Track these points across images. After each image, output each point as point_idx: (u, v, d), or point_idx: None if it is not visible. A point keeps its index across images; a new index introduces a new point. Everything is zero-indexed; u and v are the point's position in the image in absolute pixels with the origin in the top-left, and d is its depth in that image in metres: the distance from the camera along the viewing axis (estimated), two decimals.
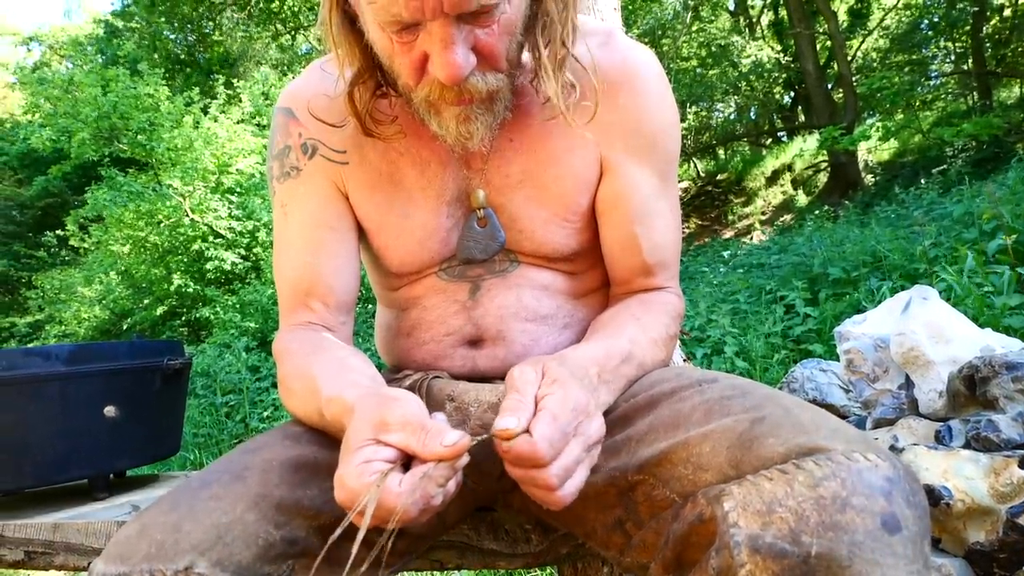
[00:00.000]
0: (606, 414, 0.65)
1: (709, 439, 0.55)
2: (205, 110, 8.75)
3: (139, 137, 8.03)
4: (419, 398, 0.57)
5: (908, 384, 1.24)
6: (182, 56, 14.59)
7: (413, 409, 0.53)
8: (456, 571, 1.79)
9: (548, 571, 1.71)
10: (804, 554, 0.45)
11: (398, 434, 0.52)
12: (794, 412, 0.54)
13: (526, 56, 0.72)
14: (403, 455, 0.52)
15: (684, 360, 1.57)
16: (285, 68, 12.31)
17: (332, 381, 0.65)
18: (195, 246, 8.34)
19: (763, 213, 10.86)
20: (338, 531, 0.50)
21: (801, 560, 0.45)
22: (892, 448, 1.12)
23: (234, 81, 9.62)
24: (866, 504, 0.46)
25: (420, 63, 0.63)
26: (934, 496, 0.98)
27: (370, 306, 6.67)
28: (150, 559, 0.52)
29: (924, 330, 1.18)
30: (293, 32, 13.86)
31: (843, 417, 1.49)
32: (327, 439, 0.67)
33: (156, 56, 13.12)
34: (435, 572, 1.83)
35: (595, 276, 0.85)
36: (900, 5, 11.04)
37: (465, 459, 0.52)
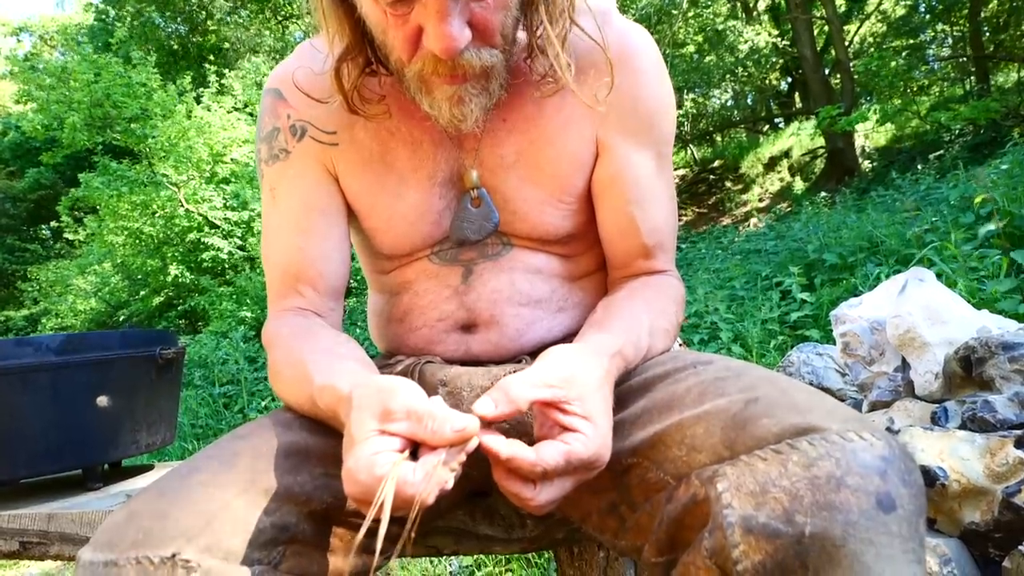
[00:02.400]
0: None
1: (703, 420, 0.55)
2: (198, 99, 8.68)
3: (132, 126, 7.97)
4: (416, 384, 0.56)
5: (904, 366, 1.24)
6: (174, 46, 14.46)
7: (415, 397, 0.52)
8: (452, 556, 1.80)
9: (545, 556, 1.71)
10: (798, 534, 0.45)
11: (403, 423, 0.51)
12: (789, 392, 0.54)
13: (521, 34, 0.71)
14: (409, 443, 0.52)
15: (680, 345, 1.57)
16: (277, 57, 12.21)
17: (323, 368, 0.64)
18: (190, 236, 8.31)
19: (760, 200, 10.85)
20: (363, 530, 0.48)
21: (795, 540, 0.45)
22: (888, 430, 1.12)
23: (226, 71, 9.52)
24: (861, 483, 0.45)
25: (414, 37, 0.62)
26: (930, 477, 0.98)
27: (363, 297, 6.67)
28: (137, 546, 0.51)
29: (920, 312, 1.18)
30: (284, 21, 13.74)
31: (839, 400, 1.49)
32: (318, 426, 0.66)
33: (148, 45, 13.00)
34: (431, 558, 1.83)
35: (590, 259, 0.84)
36: None
37: (476, 442, 0.52)
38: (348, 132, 0.76)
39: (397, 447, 0.51)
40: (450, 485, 0.51)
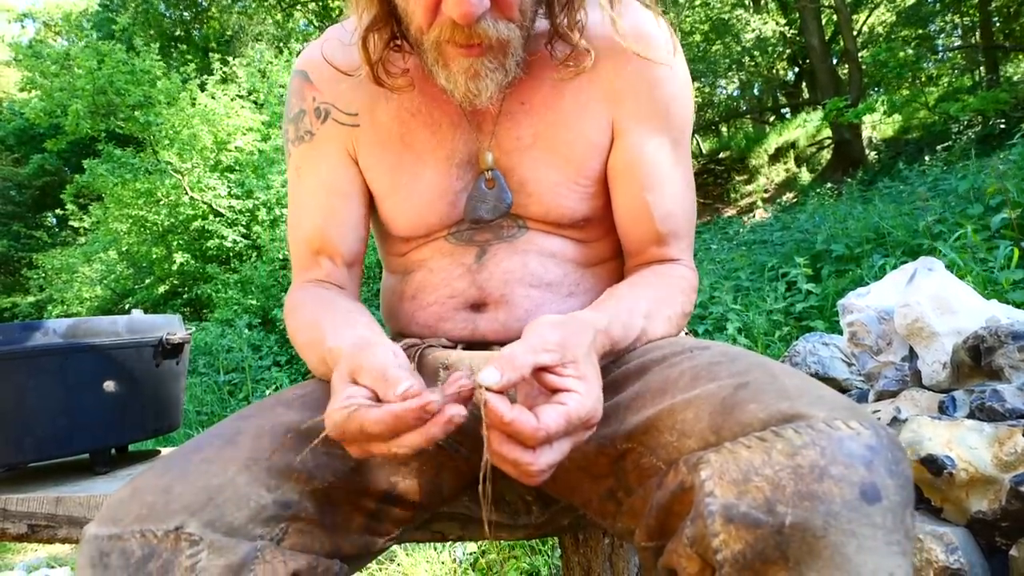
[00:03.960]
0: None
1: (693, 405, 0.54)
2: (202, 87, 8.66)
3: (136, 113, 7.96)
4: (397, 347, 0.58)
5: (912, 356, 1.23)
6: (177, 32, 14.41)
7: (379, 358, 0.54)
8: (457, 542, 1.81)
9: (550, 542, 1.72)
10: (778, 524, 0.44)
11: (367, 378, 0.54)
12: (780, 378, 0.53)
13: (543, 22, 0.72)
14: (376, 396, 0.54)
15: (686, 334, 1.56)
16: (281, 45, 12.16)
17: (334, 333, 0.67)
18: (195, 224, 8.32)
19: (766, 191, 10.80)
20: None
21: (775, 530, 0.44)
22: (895, 420, 1.11)
23: (230, 59, 9.49)
24: (845, 473, 0.44)
25: (434, 4, 0.63)
26: (937, 465, 0.98)
27: (374, 285, 6.67)
28: (141, 520, 0.52)
29: (929, 302, 1.17)
30: (288, 8, 13.67)
31: (844, 391, 1.49)
32: (321, 404, 0.67)
33: (151, 32, 12.96)
34: (436, 544, 1.85)
35: (606, 246, 0.84)
36: None
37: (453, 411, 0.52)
38: (370, 114, 0.79)
39: (367, 395, 0.53)
40: (401, 453, 0.51)
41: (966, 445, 0.97)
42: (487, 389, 0.50)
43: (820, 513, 0.43)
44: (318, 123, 0.81)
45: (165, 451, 1.39)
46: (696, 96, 13.16)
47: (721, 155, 12.95)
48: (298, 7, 13.77)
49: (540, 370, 0.54)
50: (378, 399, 0.53)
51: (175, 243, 8.65)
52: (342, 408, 0.52)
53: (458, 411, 0.50)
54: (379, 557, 1.86)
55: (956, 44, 11.56)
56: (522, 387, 0.57)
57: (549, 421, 0.50)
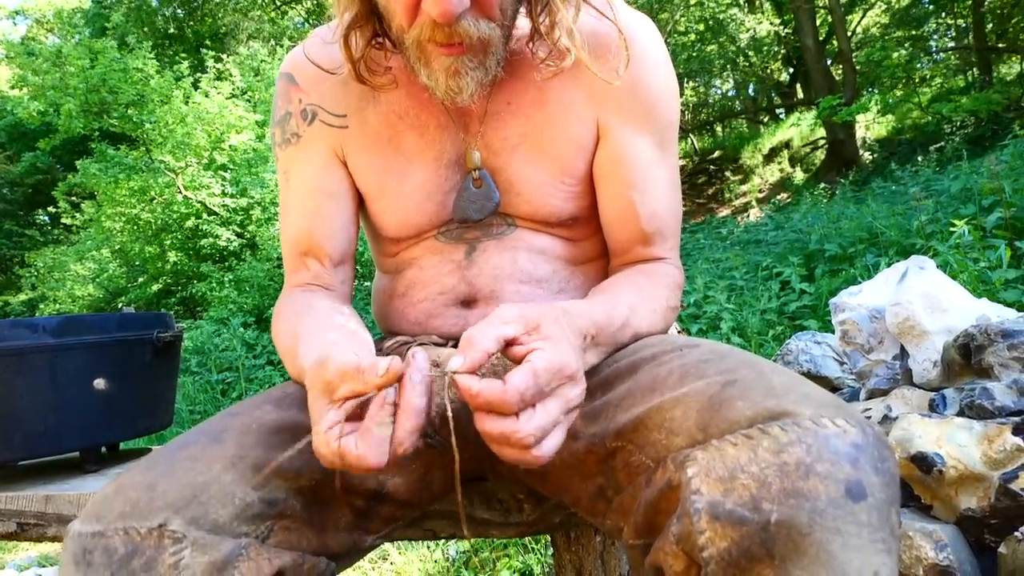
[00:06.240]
0: (588, 377, 0.65)
1: (681, 403, 0.54)
2: (196, 85, 8.61)
3: (129, 111, 7.92)
4: (359, 348, 0.58)
5: (903, 354, 1.24)
6: (171, 30, 14.34)
7: (344, 358, 0.53)
8: (450, 541, 1.81)
9: (542, 540, 1.72)
10: (763, 521, 0.44)
11: (343, 386, 0.52)
12: (767, 376, 0.53)
13: (524, 21, 0.72)
14: (358, 404, 0.53)
15: (680, 332, 1.57)
16: (275, 43, 12.11)
17: (306, 345, 0.67)
18: (189, 223, 8.28)
19: (760, 191, 10.83)
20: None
21: (760, 527, 0.44)
22: (886, 418, 1.12)
23: (223, 56, 9.44)
24: (830, 471, 0.44)
25: (414, 2, 0.63)
26: (927, 463, 0.98)
27: (366, 283, 6.66)
28: (125, 517, 0.52)
29: (920, 300, 1.18)
30: (282, 6, 13.62)
31: (836, 389, 1.50)
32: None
33: (145, 29, 12.89)
34: (428, 542, 1.84)
35: (594, 245, 0.85)
36: None
37: (421, 393, 0.51)
38: (358, 115, 0.79)
39: (342, 418, 0.52)
40: (408, 440, 0.50)
41: (956, 443, 0.98)
42: (455, 374, 0.51)
43: (805, 510, 0.43)
44: (304, 125, 0.80)
45: (156, 450, 1.39)
46: (691, 96, 13.23)
47: (716, 155, 12.97)
48: (292, 4, 13.72)
49: (507, 345, 0.54)
50: (362, 404, 0.52)
51: (168, 242, 8.60)
52: (323, 443, 0.51)
53: (420, 368, 0.51)
54: (371, 555, 1.86)
55: (949, 45, 11.63)
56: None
57: (516, 380, 0.49)
